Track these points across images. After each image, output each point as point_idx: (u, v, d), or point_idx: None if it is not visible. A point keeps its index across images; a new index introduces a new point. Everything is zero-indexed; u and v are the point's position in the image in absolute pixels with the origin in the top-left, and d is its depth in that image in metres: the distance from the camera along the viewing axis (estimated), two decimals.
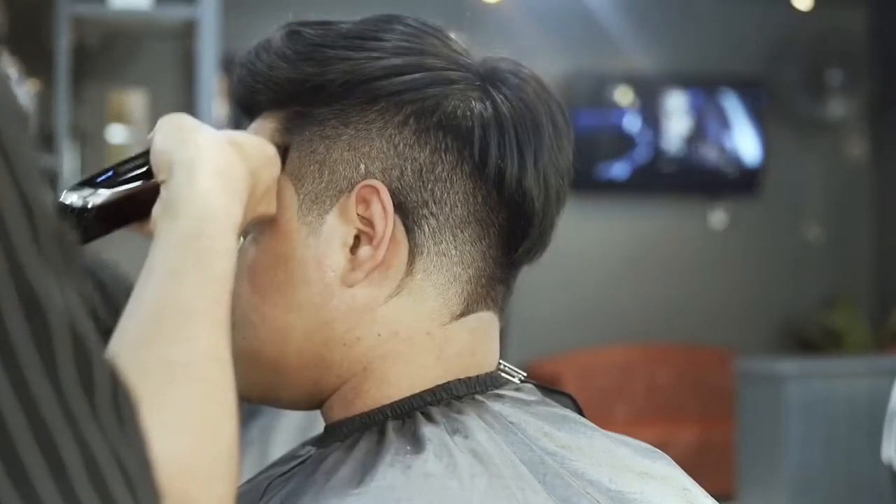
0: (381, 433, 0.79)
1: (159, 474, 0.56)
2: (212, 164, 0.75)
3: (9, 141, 0.50)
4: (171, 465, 0.60)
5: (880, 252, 6.58)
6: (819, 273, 6.53)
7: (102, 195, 0.79)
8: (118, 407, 0.52)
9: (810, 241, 6.54)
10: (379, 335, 0.81)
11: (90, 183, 0.80)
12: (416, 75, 0.80)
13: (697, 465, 2.04)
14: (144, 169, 0.79)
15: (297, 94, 0.81)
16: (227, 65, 4.03)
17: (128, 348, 0.66)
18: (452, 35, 0.85)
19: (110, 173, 0.80)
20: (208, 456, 0.64)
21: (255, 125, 0.85)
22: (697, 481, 0.85)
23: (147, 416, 0.60)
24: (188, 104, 4.11)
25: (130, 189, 0.79)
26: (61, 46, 3.67)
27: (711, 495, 0.85)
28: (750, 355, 5.25)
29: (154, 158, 0.77)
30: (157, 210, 0.75)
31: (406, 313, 0.81)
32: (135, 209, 0.79)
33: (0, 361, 0.48)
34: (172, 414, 0.63)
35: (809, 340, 6.41)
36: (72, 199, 0.78)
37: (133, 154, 0.82)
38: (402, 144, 0.80)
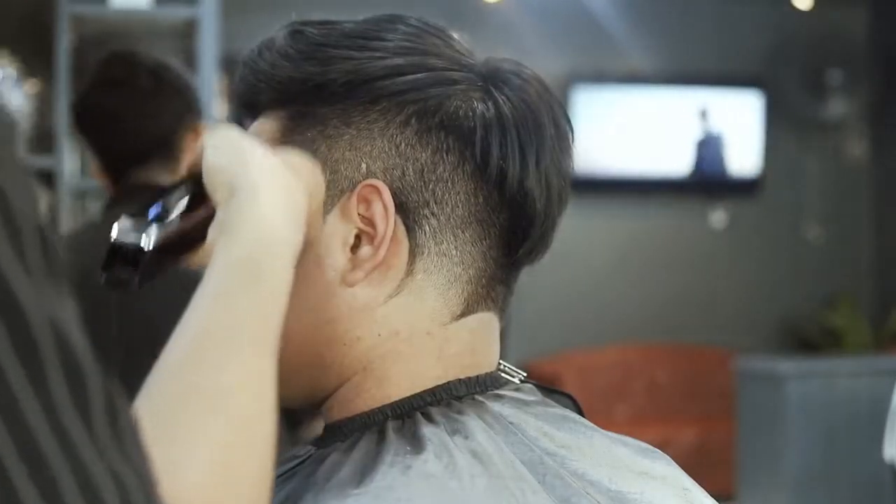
0: (381, 433, 0.79)
1: (175, 502, 0.55)
2: (275, 188, 0.73)
3: None
4: (190, 495, 0.58)
5: (880, 252, 6.58)
6: (819, 273, 6.53)
7: (157, 234, 0.76)
8: (115, 422, 0.50)
9: (810, 241, 6.55)
10: (379, 335, 0.81)
11: (138, 215, 0.76)
12: (419, 75, 0.80)
13: (697, 465, 2.04)
14: (193, 192, 0.77)
15: (299, 93, 0.81)
16: (228, 65, 4.03)
17: (169, 369, 0.64)
18: (455, 35, 0.85)
19: (159, 207, 0.77)
20: (230, 490, 0.62)
21: (256, 124, 0.85)
22: (697, 481, 0.85)
23: (175, 440, 0.59)
24: None
25: (186, 225, 0.77)
26: (61, 46, 3.67)
27: (711, 495, 0.85)
28: (750, 355, 5.25)
29: (210, 178, 0.75)
30: (213, 233, 0.74)
31: (406, 313, 0.81)
32: (191, 240, 0.77)
33: None
34: (200, 441, 0.61)
35: (809, 340, 6.41)
36: (124, 239, 0.75)
37: (176, 179, 0.79)
38: (403, 144, 0.80)
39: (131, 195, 1.97)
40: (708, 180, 6.35)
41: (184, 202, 0.77)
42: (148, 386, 0.64)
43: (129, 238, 0.75)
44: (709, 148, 6.31)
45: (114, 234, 0.75)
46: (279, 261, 0.71)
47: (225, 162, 0.74)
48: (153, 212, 0.77)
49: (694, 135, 6.30)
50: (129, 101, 2.01)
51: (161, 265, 0.76)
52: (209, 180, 0.75)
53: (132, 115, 2.01)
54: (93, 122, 2.05)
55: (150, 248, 0.75)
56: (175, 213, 0.77)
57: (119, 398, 0.50)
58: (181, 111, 2.04)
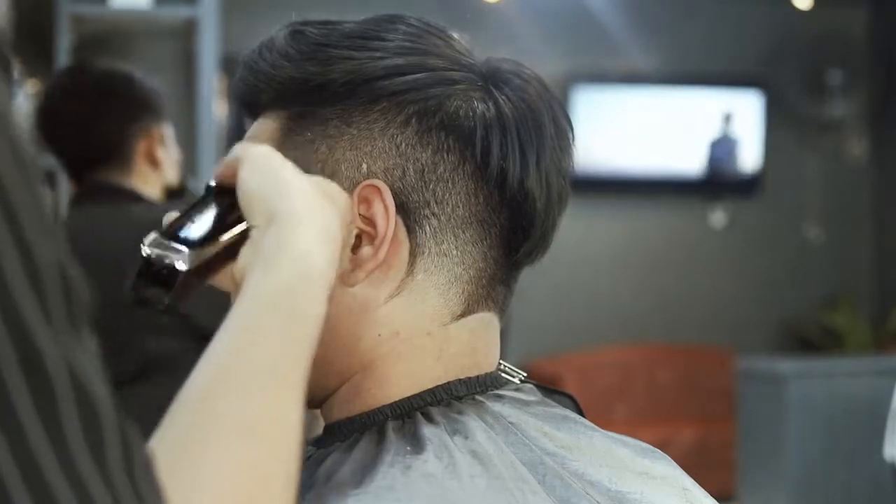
0: (381, 433, 0.79)
1: None
2: (316, 221, 0.71)
3: (12, 190, 0.47)
4: None
5: (880, 252, 6.58)
6: (819, 273, 6.53)
7: (191, 257, 0.73)
8: (130, 465, 0.50)
9: (810, 241, 6.55)
10: (379, 335, 0.81)
11: (168, 232, 0.74)
12: (419, 75, 0.80)
13: (697, 465, 2.04)
14: (222, 210, 0.75)
15: (299, 93, 0.81)
16: (228, 65, 4.03)
17: (193, 398, 0.63)
18: (455, 35, 0.85)
19: (193, 227, 0.74)
20: None
21: (257, 124, 0.85)
22: (697, 481, 0.85)
23: (194, 473, 0.58)
24: (188, 104, 4.11)
25: (221, 246, 0.74)
26: (61, 46, 3.67)
27: (711, 495, 0.85)
28: (750, 355, 5.25)
29: (247, 202, 0.73)
30: (246, 256, 0.72)
31: (407, 313, 0.81)
32: (222, 261, 0.75)
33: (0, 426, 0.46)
34: (218, 475, 0.60)
35: (809, 340, 6.41)
36: (158, 259, 0.72)
37: (202, 193, 0.77)
38: (404, 144, 0.80)
39: (93, 195, 2.15)
40: (708, 180, 6.35)
41: (218, 218, 0.75)
42: (170, 415, 0.63)
43: (163, 259, 0.73)
44: (722, 150, 6.31)
45: (145, 251, 0.73)
46: (315, 296, 0.69)
47: (263, 187, 0.73)
48: (186, 231, 0.74)
49: (693, 134, 6.30)
50: (77, 108, 2.16)
51: (194, 286, 0.74)
52: (245, 204, 0.73)
53: (79, 121, 2.15)
54: (47, 129, 2.20)
55: (185, 270, 0.72)
56: (207, 227, 0.74)
57: (135, 438, 0.51)
58: (129, 117, 2.17)
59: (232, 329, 0.67)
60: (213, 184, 0.77)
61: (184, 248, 0.73)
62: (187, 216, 0.76)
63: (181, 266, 0.73)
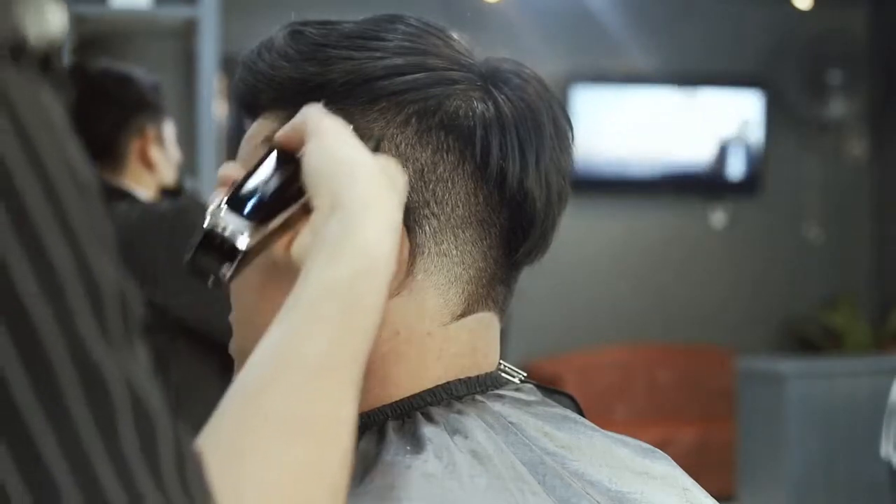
0: (381, 433, 0.79)
1: None
2: (383, 211, 0.70)
3: (71, 210, 0.49)
4: None
5: (880, 252, 6.58)
6: (819, 273, 6.53)
7: (253, 232, 0.72)
8: (182, 472, 0.50)
9: (810, 241, 6.55)
10: (379, 335, 0.81)
11: (231, 203, 0.73)
12: (418, 75, 0.80)
13: (697, 465, 2.04)
14: (284, 179, 0.74)
15: (298, 93, 0.81)
16: (228, 65, 4.03)
17: (244, 393, 0.63)
18: (455, 35, 0.85)
19: (255, 200, 0.73)
20: None
21: (256, 125, 0.85)
22: (697, 481, 0.85)
23: (241, 474, 0.58)
24: (188, 104, 4.11)
25: (282, 220, 0.73)
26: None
27: (711, 495, 0.85)
28: (750, 355, 5.26)
29: (313, 180, 0.72)
30: (305, 239, 0.72)
31: (406, 313, 0.81)
32: (282, 231, 0.74)
33: (59, 437, 0.47)
34: (270, 469, 0.59)
35: (809, 340, 6.42)
36: (222, 232, 0.71)
37: (260, 160, 0.76)
38: (403, 144, 0.80)
39: None
40: (708, 180, 6.35)
41: (275, 185, 0.74)
42: (222, 409, 0.62)
43: (225, 234, 0.72)
44: (734, 153, 6.31)
45: (208, 222, 0.72)
46: (377, 288, 0.69)
47: (332, 168, 0.72)
48: (249, 205, 0.73)
49: (693, 134, 6.30)
50: (72, 108, 2.15)
51: (250, 257, 0.74)
52: (311, 182, 0.73)
53: (74, 121, 2.15)
54: None
55: (247, 247, 0.72)
56: (269, 199, 0.73)
57: (187, 444, 0.52)
58: (122, 116, 2.18)
59: (289, 319, 0.66)
60: (274, 148, 0.77)
61: (245, 225, 0.72)
62: (248, 182, 0.75)
63: (243, 244, 0.72)
